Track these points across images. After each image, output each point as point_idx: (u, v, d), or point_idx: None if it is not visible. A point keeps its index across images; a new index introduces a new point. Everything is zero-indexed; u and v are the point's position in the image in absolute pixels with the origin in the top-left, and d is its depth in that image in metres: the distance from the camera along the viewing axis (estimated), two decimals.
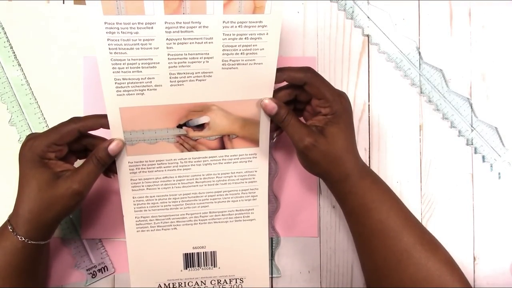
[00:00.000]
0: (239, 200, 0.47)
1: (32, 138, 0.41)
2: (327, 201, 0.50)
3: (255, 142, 0.45)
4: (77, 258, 0.49)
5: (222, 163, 0.46)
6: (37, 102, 0.49)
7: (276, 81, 0.42)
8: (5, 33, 0.49)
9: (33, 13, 0.49)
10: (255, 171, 0.46)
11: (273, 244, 0.50)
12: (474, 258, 0.50)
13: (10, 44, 0.49)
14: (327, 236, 0.50)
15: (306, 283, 0.50)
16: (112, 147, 0.42)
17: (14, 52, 0.49)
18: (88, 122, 0.42)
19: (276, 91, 0.43)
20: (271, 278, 0.50)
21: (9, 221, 0.41)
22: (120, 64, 0.40)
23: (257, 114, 0.44)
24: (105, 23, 0.38)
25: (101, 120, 0.42)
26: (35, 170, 0.40)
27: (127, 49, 0.40)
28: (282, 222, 0.50)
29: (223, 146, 0.45)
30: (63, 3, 0.49)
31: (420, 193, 0.50)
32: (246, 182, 0.47)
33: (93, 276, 0.49)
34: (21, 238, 0.40)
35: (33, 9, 0.49)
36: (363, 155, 0.50)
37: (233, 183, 0.46)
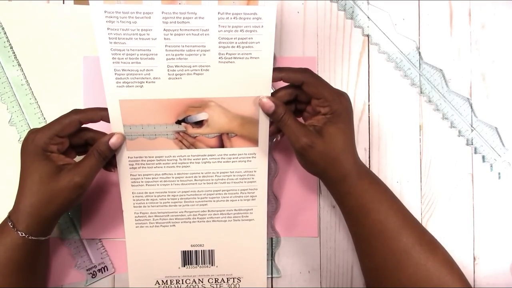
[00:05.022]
0: (238, 200, 0.47)
1: (34, 132, 0.41)
2: (327, 201, 0.50)
3: (254, 141, 0.45)
4: (77, 258, 0.49)
5: (221, 162, 0.46)
6: (37, 102, 0.49)
7: (274, 80, 0.42)
8: (5, 33, 0.49)
9: (33, 13, 0.49)
10: (254, 171, 0.46)
11: (273, 244, 0.50)
12: (474, 258, 0.50)
13: (10, 44, 0.49)
14: (327, 236, 0.50)
15: (306, 283, 0.50)
16: (113, 141, 0.42)
17: (14, 52, 0.49)
18: (88, 113, 0.42)
19: (276, 91, 0.43)
20: (271, 278, 0.50)
21: (9, 217, 0.41)
22: (119, 54, 0.41)
23: (256, 113, 0.44)
24: (105, 11, 0.39)
25: (101, 112, 0.42)
26: (37, 163, 0.40)
27: (126, 39, 0.40)
28: (282, 222, 0.50)
29: (222, 145, 0.45)
30: (63, 3, 0.49)
31: (420, 193, 0.50)
32: (245, 182, 0.47)
33: (93, 276, 0.49)
34: (21, 234, 0.40)
35: (33, 9, 0.49)
36: (363, 155, 0.50)
37: (232, 182, 0.46)
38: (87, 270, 0.49)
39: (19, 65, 0.49)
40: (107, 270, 0.49)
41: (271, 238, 0.50)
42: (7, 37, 0.49)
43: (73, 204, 0.42)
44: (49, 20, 0.49)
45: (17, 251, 0.41)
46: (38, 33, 0.49)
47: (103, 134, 0.43)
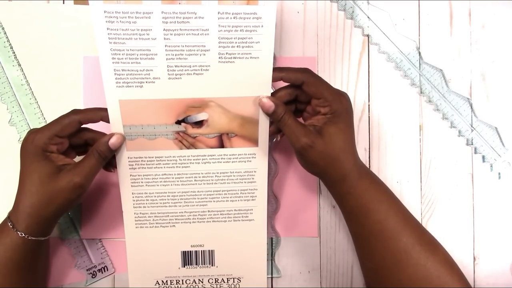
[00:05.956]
0: (238, 200, 0.47)
1: (34, 132, 0.41)
2: (327, 201, 0.50)
3: (254, 141, 0.45)
4: (77, 258, 0.49)
5: (221, 162, 0.46)
6: (37, 102, 0.49)
7: (274, 79, 0.42)
8: (5, 33, 0.49)
9: (33, 13, 0.49)
10: (254, 171, 0.46)
11: (273, 244, 0.50)
12: (474, 258, 0.50)
13: (10, 44, 0.49)
14: (327, 236, 0.50)
15: (306, 283, 0.50)
16: (113, 141, 0.42)
17: (14, 52, 0.49)
18: (88, 113, 0.42)
19: (276, 91, 0.43)
20: (271, 278, 0.50)
21: (9, 217, 0.41)
22: (119, 54, 0.41)
23: (256, 113, 0.44)
24: (104, 11, 0.39)
25: (101, 113, 0.42)
26: (37, 164, 0.40)
27: (126, 39, 0.40)
28: (282, 222, 0.50)
29: (222, 145, 0.45)
30: (63, 3, 0.49)
31: (420, 193, 0.50)
32: (245, 182, 0.47)
33: (93, 276, 0.49)
34: (21, 234, 0.40)
35: (33, 9, 0.49)
36: (363, 155, 0.50)
37: (232, 182, 0.46)
38: (87, 270, 0.49)
39: (19, 65, 0.49)
40: (107, 270, 0.49)
41: (271, 238, 0.50)
42: (7, 37, 0.49)
43: (73, 204, 0.42)
44: (49, 20, 0.49)
45: (17, 251, 0.41)
46: (38, 33, 0.49)
47: (103, 134, 0.43)
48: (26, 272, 0.42)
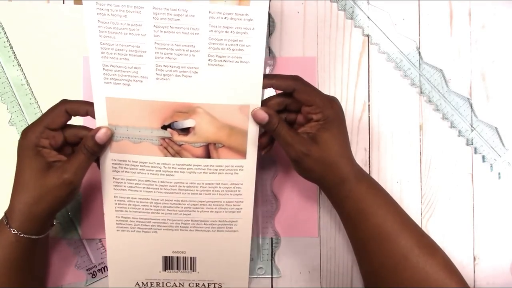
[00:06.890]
0: (223, 212, 0.45)
1: (27, 128, 0.41)
2: (327, 201, 0.50)
3: (242, 153, 0.44)
4: (77, 258, 0.49)
5: (206, 173, 0.44)
6: (37, 102, 0.49)
7: (264, 86, 0.41)
8: (5, 33, 0.49)
9: (33, 13, 0.49)
10: (241, 184, 0.45)
11: (273, 244, 0.50)
12: (474, 258, 0.50)
13: (10, 44, 0.49)
14: (327, 236, 0.50)
15: (306, 283, 0.50)
16: (99, 135, 0.41)
17: (14, 52, 0.49)
18: (75, 104, 0.41)
19: (266, 100, 0.42)
20: (271, 278, 0.50)
21: (5, 215, 0.41)
22: (108, 49, 0.40)
23: (245, 123, 0.42)
24: (96, 3, 0.39)
25: (88, 107, 0.42)
26: (28, 159, 0.40)
27: (116, 33, 0.40)
28: (282, 222, 0.50)
29: (208, 155, 0.44)
30: (63, 3, 0.49)
31: (420, 193, 0.50)
32: (231, 194, 0.45)
33: (93, 276, 0.49)
34: (14, 231, 0.40)
35: (33, 9, 0.49)
36: (363, 155, 0.50)
37: (217, 194, 0.45)
38: (87, 270, 0.49)
39: (19, 65, 0.49)
40: (107, 270, 0.49)
41: (271, 238, 0.50)
42: (7, 37, 0.49)
43: (65, 202, 0.42)
44: (49, 20, 0.49)
45: (11, 250, 0.41)
46: (38, 33, 0.49)
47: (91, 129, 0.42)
48: (20, 271, 0.42)
